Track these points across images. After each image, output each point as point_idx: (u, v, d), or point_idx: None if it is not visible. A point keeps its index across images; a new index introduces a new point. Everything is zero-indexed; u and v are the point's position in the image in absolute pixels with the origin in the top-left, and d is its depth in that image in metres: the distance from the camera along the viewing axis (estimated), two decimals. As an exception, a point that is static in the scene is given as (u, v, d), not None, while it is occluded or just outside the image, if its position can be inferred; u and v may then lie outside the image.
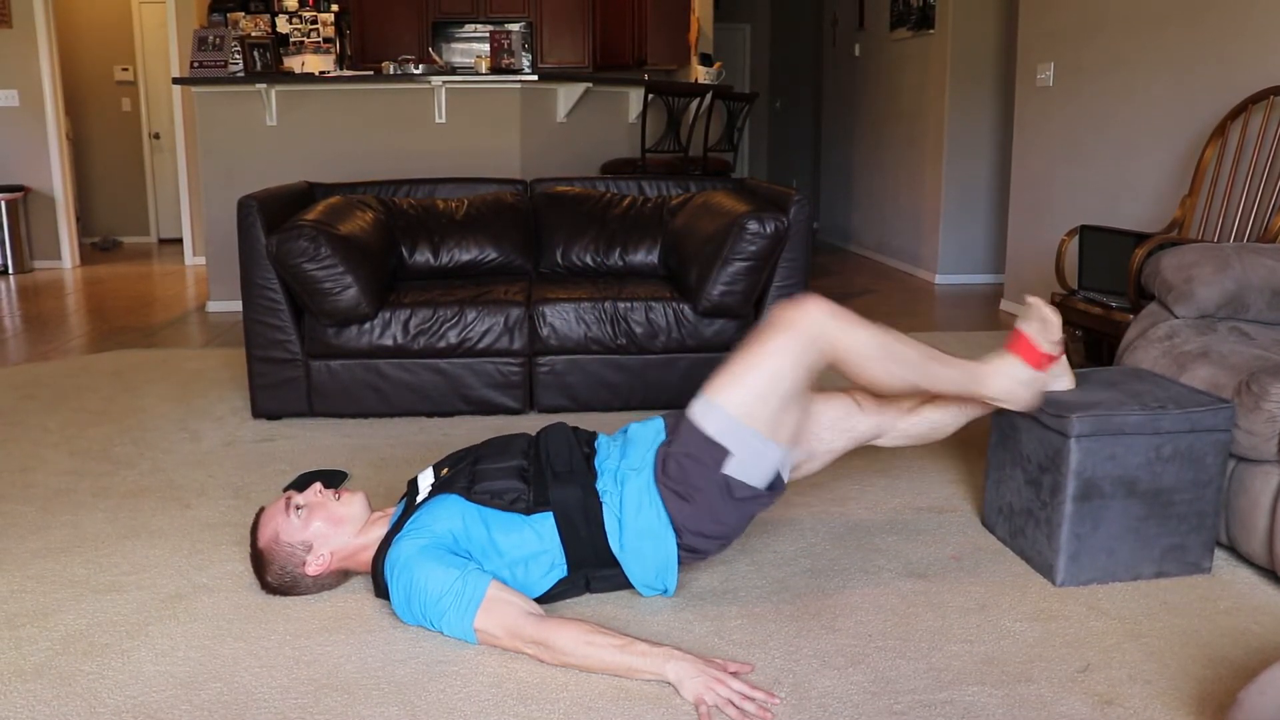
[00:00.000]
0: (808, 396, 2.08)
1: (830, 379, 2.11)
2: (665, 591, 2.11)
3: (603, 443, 2.21)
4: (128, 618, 2.08)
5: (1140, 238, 3.55)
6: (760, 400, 1.98)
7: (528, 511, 2.03)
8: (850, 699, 1.78)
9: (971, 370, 2.14)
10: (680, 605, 2.12)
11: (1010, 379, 2.15)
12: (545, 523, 2.04)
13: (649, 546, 2.04)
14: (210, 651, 1.95)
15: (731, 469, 2.00)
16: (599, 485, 2.07)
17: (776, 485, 2.08)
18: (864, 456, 2.99)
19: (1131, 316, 3.25)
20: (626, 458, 2.11)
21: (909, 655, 1.93)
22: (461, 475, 2.11)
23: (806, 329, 1.96)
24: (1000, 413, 2.36)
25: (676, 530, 2.03)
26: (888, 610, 2.11)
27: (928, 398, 2.28)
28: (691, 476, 2.01)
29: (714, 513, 2.02)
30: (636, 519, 2.03)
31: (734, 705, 1.73)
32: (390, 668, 1.88)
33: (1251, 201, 3.50)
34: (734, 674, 1.82)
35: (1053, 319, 2.14)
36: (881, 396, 2.27)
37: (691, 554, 2.09)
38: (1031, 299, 2.18)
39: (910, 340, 2.07)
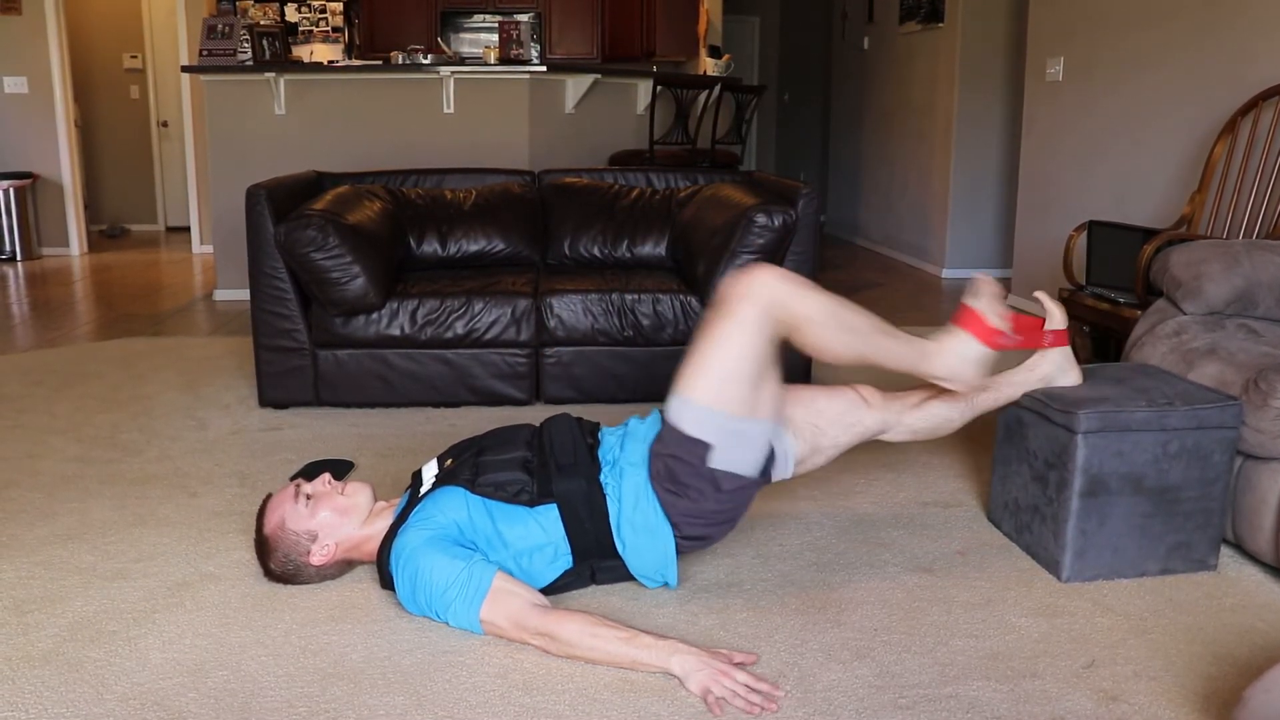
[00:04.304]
0: (776, 367, 2.04)
1: (834, 374, 2.10)
2: (667, 584, 2.12)
3: (606, 434, 2.21)
4: (135, 605, 2.09)
5: (1149, 234, 3.54)
6: (729, 382, 1.96)
7: (531, 504, 2.04)
8: (855, 693, 1.78)
9: (920, 347, 2.10)
10: (686, 598, 2.13)
11: (958, 357, 2.11)
12: (549, 514, 2.04)
13: (646, 541, 2.05)
14: (217, 639, 1.95)
15: (716, 461, 1.99)
16: (603, 477, 2.08)
17: (769, 471, 2.09)
18: (870, 451, 2.99)
19: (1139, 313, 3.24)
20: (625, 451, 2.12)
21: (914, 649, 1.93)
22: (465, 467, 2.11)
23: (760, 296, 1.93)
24: (1006, 408, 2.37)
25: (674, 524, 2.04)
26: (893, 604, 2.11)
27: (934, 393, 2.28)
28: (679, 475, 2.01)
29: (707, 506, 2.03)
30: (634, 514, 2.04)
31: (741, 696, 1.73)
32: (396, 657, 1.89)
33: (1261, 198, 3.48)
34: (738, 665, 1.82)
35: (994, 289, 2.13)
36: (886, 391, 2.27)
37: (693, 542, 2.09)
38: (978, 277, 2.16)
39: (862, 311, 2.04)
